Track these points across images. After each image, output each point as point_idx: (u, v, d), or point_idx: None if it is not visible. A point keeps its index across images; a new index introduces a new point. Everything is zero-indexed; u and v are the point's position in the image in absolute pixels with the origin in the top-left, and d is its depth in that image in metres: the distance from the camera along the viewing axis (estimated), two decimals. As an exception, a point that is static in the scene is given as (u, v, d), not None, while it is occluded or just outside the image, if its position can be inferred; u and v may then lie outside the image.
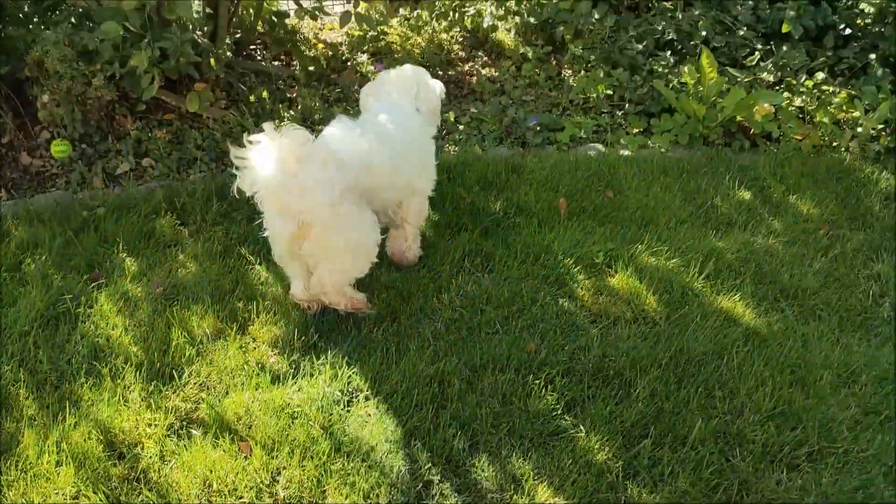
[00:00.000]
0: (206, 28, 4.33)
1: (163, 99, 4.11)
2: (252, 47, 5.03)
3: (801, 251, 3.18)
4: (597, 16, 4.66)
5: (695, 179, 3.68)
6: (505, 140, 4.18)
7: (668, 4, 4.80)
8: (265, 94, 4.30)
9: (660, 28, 4.55)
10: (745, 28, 4.55)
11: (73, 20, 3.92)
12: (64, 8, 3.96)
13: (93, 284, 2.92)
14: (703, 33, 4.47)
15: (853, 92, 4.14)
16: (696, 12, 4.60)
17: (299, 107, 4.28)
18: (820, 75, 4.25)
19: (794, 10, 4.43)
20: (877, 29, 4.44)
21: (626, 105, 4.25)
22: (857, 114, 4.02)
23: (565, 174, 3.71)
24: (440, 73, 4.90)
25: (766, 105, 3.87)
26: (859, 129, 3.94)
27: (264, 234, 2.63)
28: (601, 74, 4.45)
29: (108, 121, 4.01)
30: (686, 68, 4.15)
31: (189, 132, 4.03)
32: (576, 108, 4.34)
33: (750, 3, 4.64)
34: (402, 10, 5.82)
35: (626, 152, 3.98)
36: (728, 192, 3.61)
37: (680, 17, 4.53)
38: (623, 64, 4.47)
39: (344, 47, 4.93)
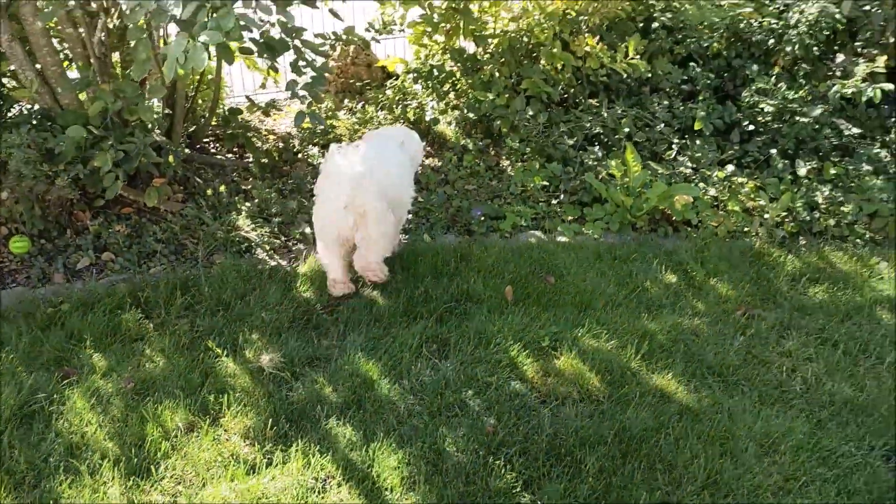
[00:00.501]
0: (163, 124, 4.54)
1: (122, 194, 4.26)
2: (206, 140, 5.24)
3: (723, 330, 3.55)
4: (531, 112, 5.09)
5: (627, 265, 4.05)
6: (451, 228, 4.48)
7: (593, 102, 5.29)
8: (222, 188, 4.50)
9: (588, 124, 5.00)
10: (662, 124, 5.05)
11: (33, 121, 4.06)
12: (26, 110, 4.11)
13: (64, 382, 3.01)
14: (626, 129, 4.94)
15: (759, 183, 4.64)
16: (619, 110, 5.09)
17: (255, 200, 4.50)
18: (729, 167, 4.75)
19: (704, 109, 4.96)
20: (775, 126, 5.00)
21: (562, 195, 4.64)
22: (763, 202, 4.50)
23: (510, 262, 4.02)
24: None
25: (684, 196, 4.32)
26: (766, 217, 4.41)
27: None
28: (537, 166, 4.85)
29: (67, 216, 4.12)
30: (613, 162, 4.58)
31: (148, 226, 4.18)
32: (515, 197, 4.70)
33: (665, 102, 5.16)
34: (346, 101, 6.18)
35: (564, 239, 4.33)
36: (656, 275, 3.98)
37: (605, 114, 5.00)
38: (556, 157, 4.88)
39: (295, 140, 5.20)
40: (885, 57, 4.60)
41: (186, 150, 4.61)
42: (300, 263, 4.05)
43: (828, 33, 5.05)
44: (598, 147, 4.98)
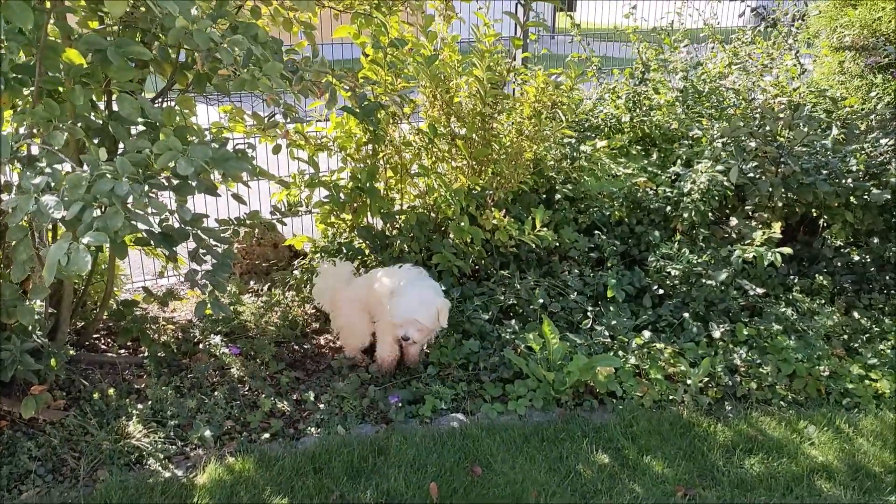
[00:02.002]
0: (46, 322, 4.16)
1: (-7, 406, 3.79)
2: (97, 336, 4.85)
3: (666, 518, 3.32)
4: (443, 287, 5.00)
5: (556, 446, 3.82)
6: (367, 417, 4.18)
7: (505, 273, 5.27)
8: (111, 390, 4.09)
9: (501, 297, 4.94)
10: (575, 293, 5.05)
11: None
12: None
13: None
14: (541, 300, 4.90)
15: (676, 348, 4.62)
16: (532, 280, 5.08)
17: (149, 401, 4.09)
18: (646, 333, 4.73)
19: (615, 276, 5.02)
20: (683, 288, 5.09)
21: (482, 372, 4.45)
22: (683, 368, 4.45)
23: (433, 452, 3.73)
24: (296, 347, 4.94)
25: (606, 367, 4.21)
26: (689, 383, 4.35)
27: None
28: (452, 342, 4.69)
29: (-77, 437, 3.60)
30: (532, 335, 4.48)
31: (22, 441, 3.70)
32: (433, 378, 4.48)
33: (576, 271, 5.20)
34: (252, 283, 5.96)
35: (487, 420, 4.10)
36: (588, 456, 3.77)
37: (518, 286, 4.97)
38: (473, 332, 4.75)
39: (196, 329, 4.88)
40: (779, 223, 4.83)
41: (72, 352, 4.21)
42: (198, 472, 3.62)
43: (719, 200, 5.31)
44: (513, 319, 4.89)
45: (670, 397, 4.32)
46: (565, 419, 4.11)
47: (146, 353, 4.64)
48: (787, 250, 4.73)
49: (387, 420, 4.19)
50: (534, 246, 5.54)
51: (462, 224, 5.24)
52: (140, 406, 4.06)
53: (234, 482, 3.54)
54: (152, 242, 4.05)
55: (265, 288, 5.67)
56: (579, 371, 4.17)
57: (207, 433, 3.81)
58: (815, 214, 5.60)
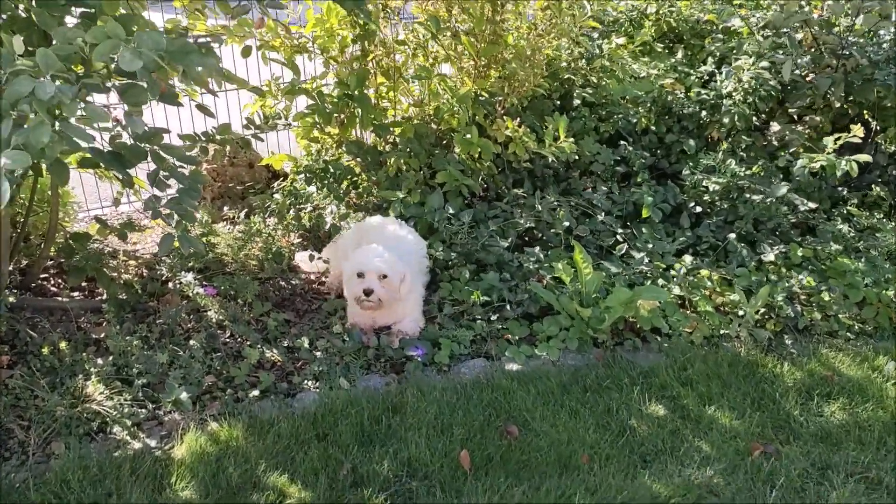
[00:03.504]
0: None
1: (-86, 370, 3.10)
2: (45, 277, 4.12)
3: (746, 484, 2.77)
4: (451, 210, 4.31)
5: (600, 397, 3.25)
6: (373, 366, 3.56)
7: (519, 192, 4.59)
8: (63, 344, 3.40)
9: (520, 220, 4.27)
10: (603, 213, 4.40)
11: None
12: None
13: None
14: (566, 223, 4.24)
15: (725, 274, 4.02)
16: (552, 199, 4.40)
17: (111, 355, 3.42)
18: (687, 258, 4.12)
19: (649, 193, 4.36)
20: (724, 205, 4.46)
21: (508, 307, 3.83)
22: (734, 297, 3.87)
23: (456, 410, 3.14)
24: (283, 283, 4.26)
25: (649, 301, 3.61)
26: (742, 315, 3.77)
27: None
28: (467, 275, 4.04)
29: None
30: (560, 264, 3.84)
31: (-46, 412, 3.02)
32: (447, 318, 3.85)
33: (603, 188, 4.53)
34: (226, 209, 5.21)
35: (515, 366, 3.50)
36: (640, 408, 3.20)
37: (539, 206, 4.29)
38: (490, 262, 4.09)
39: (163, 266, 4.16)
40: (859, 126, 4.14)
41: (11, 299, 3.49)
42: (176, 443, 3.00)
43: (766, 101, 4.61)
44: (533, 246, 4.24)
45: (721, 332, 3.75)
46: (606, 363, 3.53)
47: (104, 296, 3.94)
48: (866, 157, 4.08)
49: (397, 369, 3.57)
50: (550, 160, 4.85)
51: (469, 136, 4.51)
52: (100, 361, 3.38)
53: (219, 454, 2.92)
54: (102, 164, 3.31)
55: (241, 215, 4.93)
56: (621, 306, 3.56)
57: (184, 395, 3.16)
58: (867, 117, 4.94)
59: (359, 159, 4.83)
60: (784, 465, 2.85)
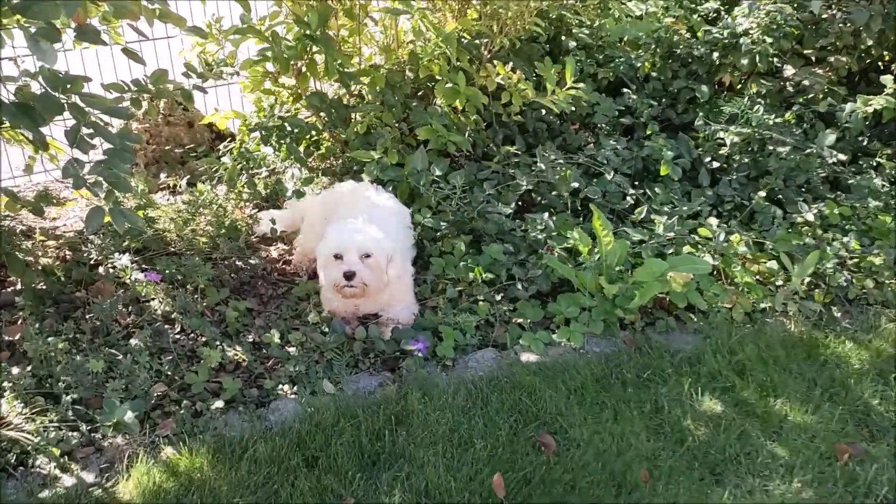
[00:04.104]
0: None
1: None
2: (-63, 265, 3.35)
3: (845, 498, 2.30)
4: (437, 171, 3.69)
5: (644, 392, 2.73)
6: (359, 364, 2.96)
7: (511, 149, 3.99)
8: (-36, 354, 2.69)
9: (522, 181, 3.68)
10: (613, 171, 3.85)
11: None
12: None
13: None
14: (575, 184, 3.68)
15: (759, 238, 3.54)
16: (550, 156, 3.82)
17: (30, 362, 2.72)
18: (713, 221, 3.62)
19: (668, 147, 3.83)
20: (745, 160, 3.97)
21: (519, 286, 3.26)
22: (771, 264, 3.40)
23: (474, 417, 2.58)
24: (240, 264, 3.59)
25: (682, 274, 3.09)
26: (779, 284, 3.31)
27: None
28: (462, 248, 3.45)
29: None
30: (576, 233, 3.29)
31: None
32: (445, 301, 3.26)
33: (612, 142, 3.97)
34: (164, 176, 4.46)
35: (531, 356, 2.95)
36: (694, 405, 2.69)
37: (542, 165, 3.70)
38: (489, 232, 3.51)
39: (91, 247, 3.42)
40: None
41: None
42: (121, 477, 2.35)
43: (791, 40, 4.10)
44: (536, 212, 3.67)
45: (763, 306, 3.27)
46: (640, 349, 3.01)
47: (19, 286, 3.21)
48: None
49: (390, 366, 2.98)
50: (543, 112, 4.27)
51: (454, 84, 3.88)
52: (15, 371, 2.69)
53: (179, 491, 2.30)
54: (6, 120, 2.61)
55: (183, 183, 4.21)
56: (655, 280, 3.03)
57: (129, 414, 2.49)
58: (887, 58, 4.50)
59: (322, 114, 4.14)
60: (879, 477, 2.38)
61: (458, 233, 3.57)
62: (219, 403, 2.70)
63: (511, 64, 3.94)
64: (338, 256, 3.00)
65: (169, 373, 2.82)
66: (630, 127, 4.31)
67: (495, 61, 3.93)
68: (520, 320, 3.18)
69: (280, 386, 2.83)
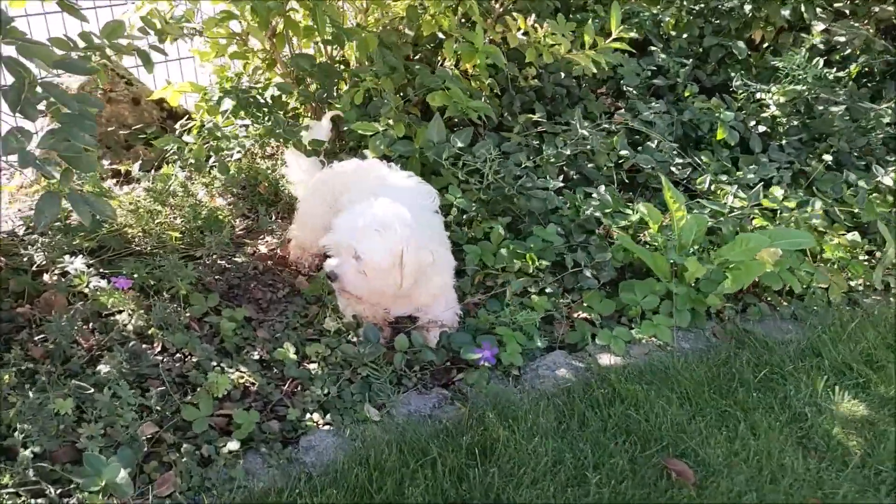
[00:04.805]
0: None
1: None
2: None
3: None
4: (459, 143, 3.12)
5: (772, 396, 2.24)
6: (405, 378, 2.36)
7: (534, 117, 3.45)
8: None
9: (565, 149, 3.14)
10: (657, 138, 3.36)
11: None
12: None
13: None
14: (624, 151, 3.16)
15: (843, 208, 3.12)
16: (577, 123, 3.29)
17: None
18: (777, 190, 3.17)
19: (727, 108, 3.37)
20: (794, 123, 3.56)
21: (587, 273, 2.72)
22: (851, 236, 2.98)
23: (576, 442, 2.02)
24: (224, 264, 2.91)
25: (772, 250, 2.61)
26: (863, 258, 2.90)
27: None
28: (500, 232, 2.88)
29: None
30: (642, 207, 2.78)
31: None
32: (491, 298, 2.69)
33: (656, 104, 3.47)
34: (106, 162, 3.72)
35: (612, 359, 2.43)
36: (831, 408, 2.21)
37: (583, 132, 3.17)
38: (534, 210, 2.95)
39: (33, 249, 2.68)
40: None
41: None
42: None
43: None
44: (603, 189, 3.12)
45: (857, 285, 2.85)
46: (740, 341, 2.52)
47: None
48: None
49: (439, 380, 2.39)
50: (562, 76, 3.76)
51: (469, 42, 3.30)
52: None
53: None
54: None
55: (135, 168, 3.47)
56: (754, 260, 2.55)
57: (122, 474, 1.81)
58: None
59: (315, 80, 3.48)
60: None
61: (491, 214, 3.00)
62: (232, 445, 2.05)
63: (533, 17, 3.40)
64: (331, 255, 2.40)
65: (158, 408, 2.15)
66: (656, 91, 3.83)
67: (514, 14, 3.38)
68: (585, 315, 2.65)
69: (307, 415, 2.21)
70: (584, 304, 2.66)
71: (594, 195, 2.96)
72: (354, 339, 2.48)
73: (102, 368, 2.21)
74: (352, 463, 1.94)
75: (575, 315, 2.67)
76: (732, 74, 3.79)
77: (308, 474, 1.95)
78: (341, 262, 2.37)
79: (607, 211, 2.93)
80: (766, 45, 4.06)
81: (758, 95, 3.64)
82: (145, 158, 3.69)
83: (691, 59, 3.95)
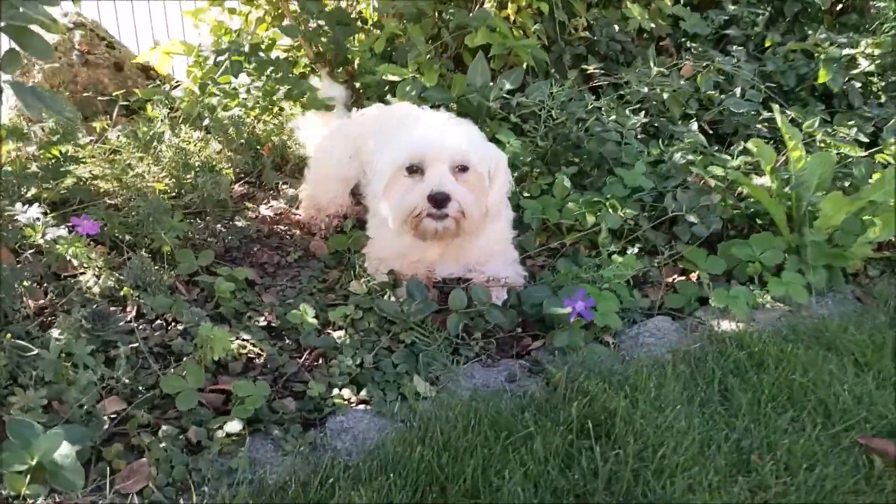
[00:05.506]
0: None
1: None
2: None
3: None
4: (508, 85, 2.58)
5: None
6: (466, 347, 1.77)
7: (591, 68, 2.93)
8: None
9: (642, 87, 2.61)
10: (738, 87, 2.83)
11: None
12: None
13: None
14: (711, 92, 2.64)
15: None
16: (655, 69, 2.77)
17: None
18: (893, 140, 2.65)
19: (827, 54, 2.87)
20: (893, 78, 3.07)
21: (690, 218, 2.14)
22: None
23: (716, 414, 1.42)
24: (223, 225, 2.33)
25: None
26: None
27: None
28: (566, 183, 2.32)
29: None
30: (752, 146, 2.23)
31: None
32: (552, 255, 2.11)
33: (741, 54, 2.95)
34: (80, 135, 3.15)
35: (731, 324, 1.84)
36: None
37: (660, 69, 2.64)
38: (607, 155, 2.39)
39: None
40: None
41: None
42: None
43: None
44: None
45: None
46: (881, 306, 1.95)
47: None
48: None
49: (511, 351, 1.80)
50: (616, 28, 3.26)
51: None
52: None
53: None
54: None
55: (115, 131, 2.90)
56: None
57: (65, 449, 1.19)
58: None
59: (334, 34, 2.95)
60: None
61: (551, 166, 2.45)
62: (232, 426, 1.45)
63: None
64: (415, 169, 1.81)
65: (127, 380, 1.55)
66: (725, 46, 3.32)
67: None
68: (695, 274, 2.07)
69: (335, 390, 1.61)
70: (687, 261, 2.08)
71: (685, 135, 2.41)
72: (403, 297, 1.90)
73: (54, 333, 1.62)
74: (407, 445, 1.34)
75: (670, 278, 2.10)
76: (809, 32, 3.31)
77: (345, 465, 1.34)
78: (446, 179, 1.78)
79: (698, 158, 2.38)
80: (839, 6, 3.60)
81: (845, 51, 3.14)
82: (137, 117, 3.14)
83: (758, 16, 3.48)
